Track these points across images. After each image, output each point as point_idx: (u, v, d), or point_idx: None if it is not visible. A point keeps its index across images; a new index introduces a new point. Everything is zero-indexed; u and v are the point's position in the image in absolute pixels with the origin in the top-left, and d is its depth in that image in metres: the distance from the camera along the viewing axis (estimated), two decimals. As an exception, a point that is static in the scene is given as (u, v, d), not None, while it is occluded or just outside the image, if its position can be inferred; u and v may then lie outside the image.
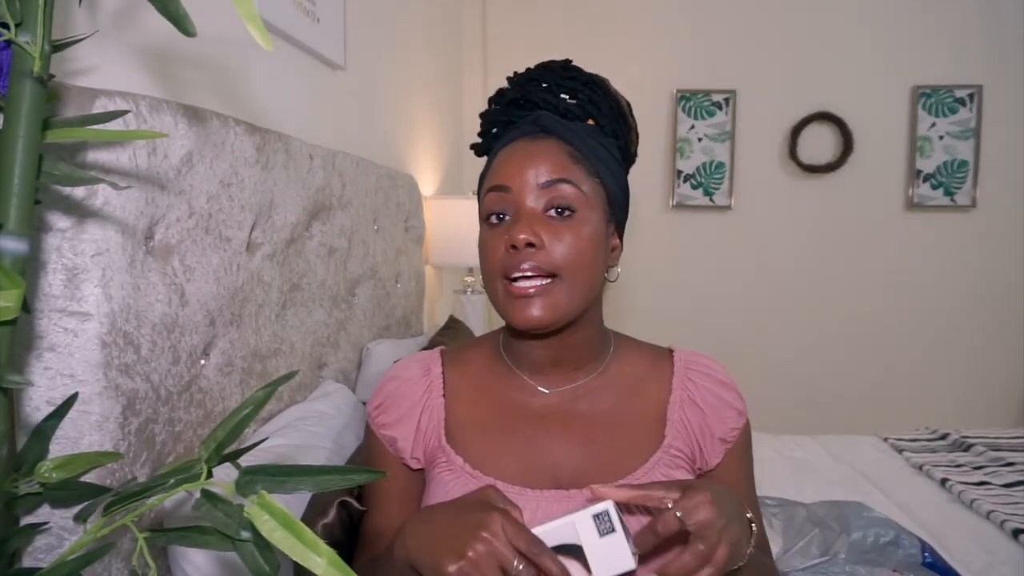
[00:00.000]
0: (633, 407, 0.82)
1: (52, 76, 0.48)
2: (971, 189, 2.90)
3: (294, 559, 0.39)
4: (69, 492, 0.56)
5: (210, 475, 0.45)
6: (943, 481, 1.75)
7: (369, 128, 1.85)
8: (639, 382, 0.84)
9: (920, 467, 1.87)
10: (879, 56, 2.91)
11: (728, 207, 3.03)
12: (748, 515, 0.71)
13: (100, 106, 0.70)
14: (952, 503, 1.66)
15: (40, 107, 0.45)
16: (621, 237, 0.85)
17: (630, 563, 0.60)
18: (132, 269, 0.77)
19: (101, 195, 0.72)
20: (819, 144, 2.96)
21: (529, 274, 0.73)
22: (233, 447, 0.46)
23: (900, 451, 2.02)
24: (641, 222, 2.94)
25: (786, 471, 1.85)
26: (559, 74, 0.83)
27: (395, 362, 0.95)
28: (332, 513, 0.88)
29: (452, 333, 1.79)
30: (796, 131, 2.94)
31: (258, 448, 0.95)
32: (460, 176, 2.91)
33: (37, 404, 0.70)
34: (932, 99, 2.89)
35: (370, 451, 0.87)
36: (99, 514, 0.46)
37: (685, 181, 3.03)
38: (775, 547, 1.31)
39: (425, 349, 0.97)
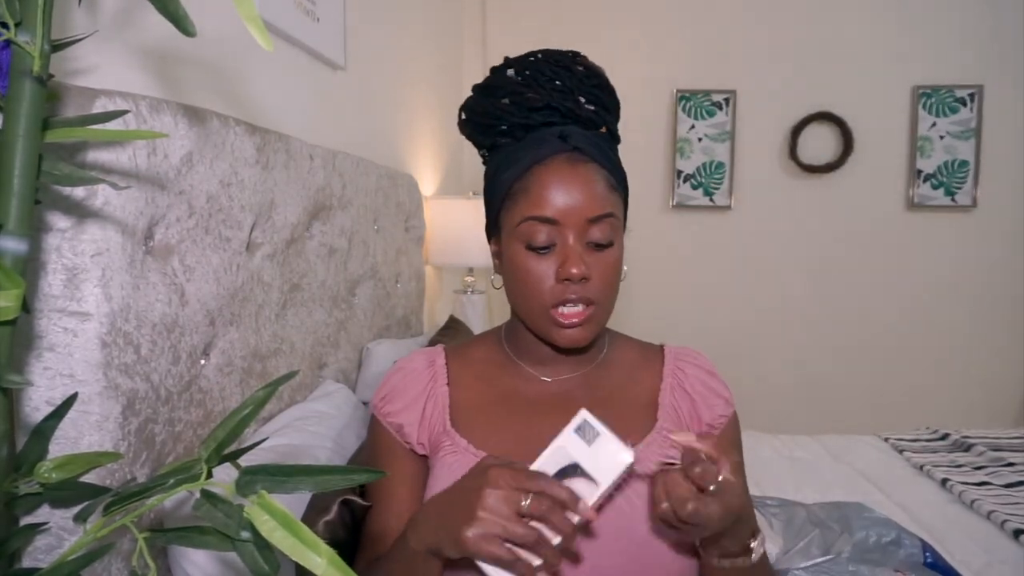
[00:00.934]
0: (627, 393, 0.86)
1: (52, 76, 0.48)
2: (971, 189, 2.90)
3: (294, 559, 0.39)
4: (69, 492, 0.56)
5: (210, 475, 0.45)
6: (944, 481, 1.75)
7: (369, 128, 1.85)
8: (633, 372, 0.89)
9: (920, 467, 1.87)
10: (879, 56, 2.91)
11: (728, 207, 3.03)
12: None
13: (100, 106, 0.70)
14: (953, 503, 1.66)
15: (40, 107, 0.45)
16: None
17: (627, 456, 0.63)
18: (132, 269, 0.77)
19: (101, 195, 0.72)
20: (819, 144, 2.96)
21: (578, 306, 0.78)
22: (233, 447, 0.46)
23: (900, 451, 2.02)
24: (641, 222, 2.94)
25: (786, 471, 1.85)
26: (575, 73, 0.82)
27: (395, 364, 0.96)
28: (334, 511, 0.88)
29: (452, 333, 1.79)
30: (796, 131, 2.94)
31: (258, 448, 0.94)
32: (460, 176, 2.91)
33: (37, 404, 0.70)
34: (932, 99, 2.89)
35: (375, 441, 0.88)
36: (99, 514, 0.46)
37: (685, 181, 3.03)
38: (775, 547, 1.31)
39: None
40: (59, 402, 0.58)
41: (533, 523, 0.60)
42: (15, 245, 0.45)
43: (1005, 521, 1.50)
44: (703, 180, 3.02)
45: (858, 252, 3.00)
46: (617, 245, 0.80)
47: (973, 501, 1.62)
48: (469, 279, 2.43)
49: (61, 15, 0.74)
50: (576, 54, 0.84)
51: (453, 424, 0.83)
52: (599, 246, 0.78)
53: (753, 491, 1.25)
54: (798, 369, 3.05)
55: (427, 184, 2.39)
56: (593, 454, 0.62)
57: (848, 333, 3.03)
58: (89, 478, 0.68)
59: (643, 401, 0.86)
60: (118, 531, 0.75)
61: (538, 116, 0.82)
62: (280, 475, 0.44)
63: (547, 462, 0.63)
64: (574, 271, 0.75)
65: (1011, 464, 1.84)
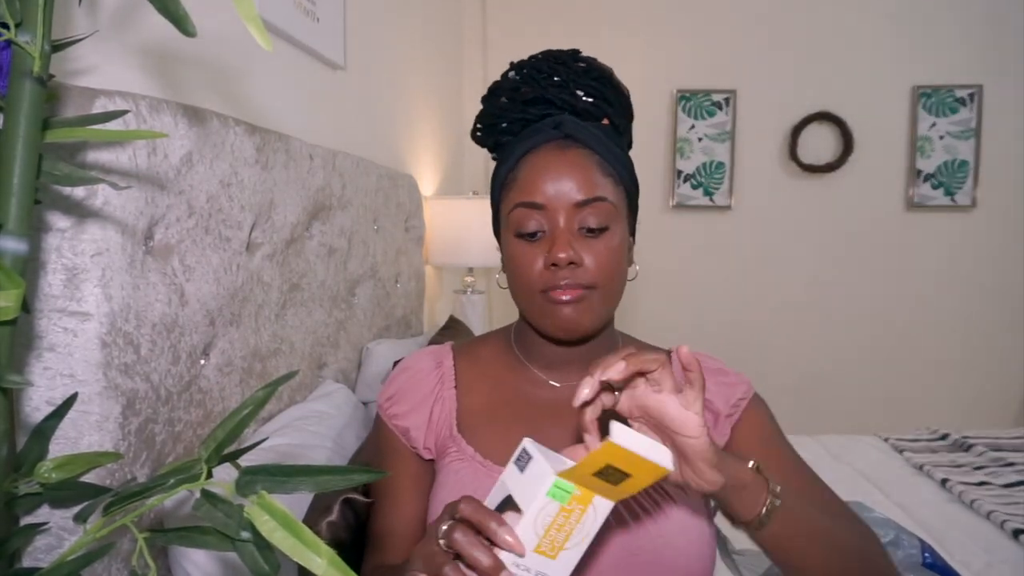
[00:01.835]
0: None
1: (52, 76, 0.48)
2: (971, 189, 2.90)
3: (294, 559, 0.39)
4: (69, 492, 0.56)
5: (210, 475, 0.45)
6: (943, 481, 1.75)
7: (369, 128, 1.85)
8: None
9: (920, 467, 1.87)
10: (879, 56, 2.91)
11: (728, 207, 3.03)
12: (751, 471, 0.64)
13: (100, 106, 0.70)
14: (952, 503, 1.66)
15: (40, 107, 0.45)
16: (633, 232, 0.86)
17: (550, 477, 0.55)
18: (132, 269, 0.77)
19: (101, 195, 0.72)
20: (819, 144, 2.96)
21: (568, 290, 0.75)
22: (233, 447, 0.46)
23: (900, 451, 2.02)
24: (641, 222, 2.91)
25: (786, 471, 1.85)
26: (573, 68, 0.82)
27: (395, 363, 0.95)
28: (336, 511, 0.88)
29: (452, 333, 1.79)
30: (796, 131, 2.94)
31: (258, 448, 0.95)
32: (460, 176, 2.91)
33: (37, 404, 0.70)
34: (932, 99, 2.89)
35: (380, 443, 0.87)
36: (99, 514, 0.46)
37: (685, 181, 3.03)
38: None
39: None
40: (59, 402, 0.58)
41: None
42: (15, 245, 0.45)
43: (1005, 521, 1.50)
44: (703, 180, 3.02)
45: (858, 252, 3.00)
46: (615, 231, 0.77)
47: (973, 501, 1.62)
48: (469, 279, 2.43)
49: (61, 15, 0.74)
50: (577, 52, 0.84)
51: (460, 430, 0.82)
52: (592, 231, 0.76)
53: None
54: (798, 369, 3.05)
55: (427, 184, 2.39)
56: (523, 481, 0.56)
57: (848, 333, 3.03)
58: (89, 478, 0.68)
59: None
60: (118, 531, 0.75)
61: (534, 110, 0.82)
62: (280, 475, 0.44)
63: (491, 499, 0.59)
64: (561, 255, 0.73)
65: (1011, 464, 1.84)
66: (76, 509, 0.51)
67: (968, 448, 2.01)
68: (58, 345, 0.70)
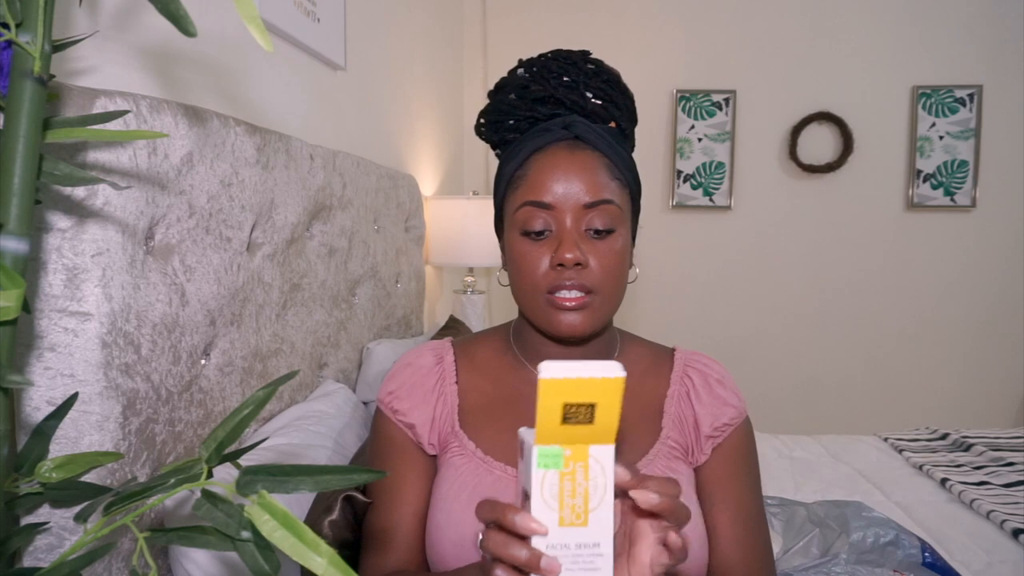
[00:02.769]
0: (634, 401, 0.83)
1: (52, 76, 0.48)
2: (971, 189, 2.90)
3: (294, 559, 0.39)
4: (69, 492, 0.56)
5: (210, 475, 0.45)
6: (943, 481, 1.75)
7: (369, 128, 1.85)
8: (641, 378, 0.86)
9: (920, 467, 1.87)
10: (879, 56, 2.91)
11: (728, 207, 3.03)
12: None
13: (100, 106, 0.70)
14: (952, 503, 1.66)
15: (40, 107, 0.45)
16: (635, 235, 0.86)
17: (531, 447, 0.54)
18: (132, 269, 0.77)
19: (101, 195, 0.72)
20: (819, 144, 2.96)
21: (573, 291, 0.76)
22: (233, 447, 0.46)
23: (900, 451, 2.02)
24: (641, 222, 2.93)
25: (786, 471, 1.85)
26: (583, 69, 0.82)
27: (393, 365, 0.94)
28: (337, 509, 0.88)
29: (452, 333, 1.79)
30: (796, 131, 2.94)
31: (258, 448, 0.95)
32: (460, 176, 2.91)
33: (37, 404, 0.70)
34: (932, 99, 2.89)
35: (383, 437, 0.85)
36: (99, 514, 0.46)
37: (685, 181, 3.03)
38: (775, 547, 1.31)
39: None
40: (60, 402, 0.58)
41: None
42: (15, 245, 0.45)
43: (1004, 521, 1.50)
44: (703, 180, 3.02)
45: (857, 252, 3.00)
46: (620, 234, 0.78)
47: (973, 501, 1.62)
48: (469, 279, 2.44)
49: (61, 15, 0.74)
50: (587, 53, 0.84)
51: (461, 425, 0.82)
52: (598, 233, 0.77)
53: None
54: (798, 369, 3.05)
55: (427, 184, 2.39)
56: (523, 468, 0.55)
57: (847, 333, 3.03)
58: (89, 478, 0.68)
59: (649, 409, 0.84)
60: (119, 531, 0.75)
61: (543, 108, 0.82)
62: (280, 475, 0.44)
63: (516, 500, 0.57)
64: (568, 256, 0.74)
65: (1011, 464, 1.84)
66: (77, 509, 0.51)
67: (968, 448, 2.01)
68: (59, 345, 0.70)
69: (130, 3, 0.88)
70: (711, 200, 3.03)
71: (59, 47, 0.49)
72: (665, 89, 3.02)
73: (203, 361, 0.93)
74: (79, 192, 0.70)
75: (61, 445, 0.71)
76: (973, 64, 2.87)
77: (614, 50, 3.01)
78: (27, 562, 0.69)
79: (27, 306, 0.45)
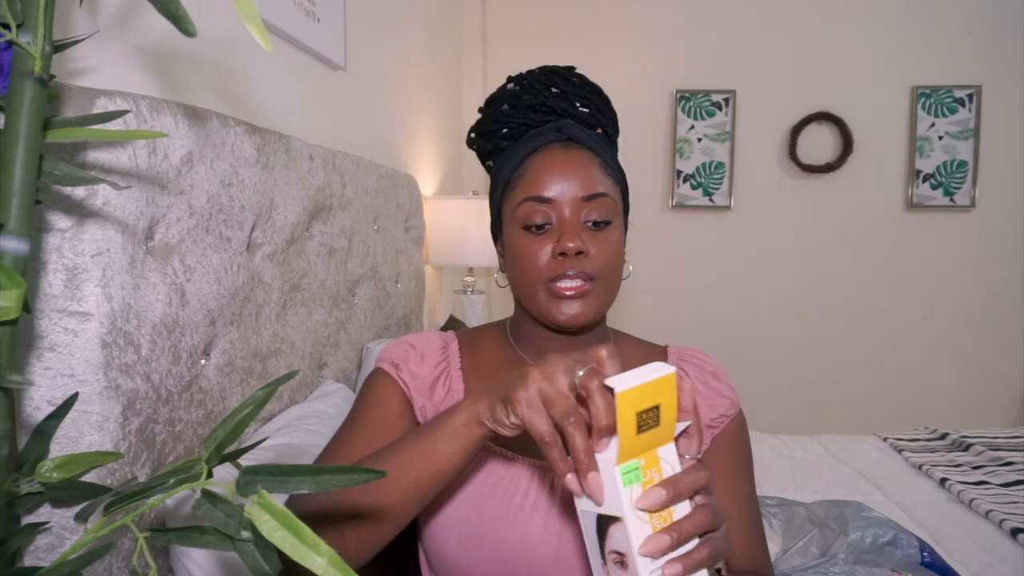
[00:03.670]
0: None
1: (53, 76, 0.48)
2: (971, 189, 2.90)
3: (294, 559, 0.39)
4: (70, 492, 0.56)
5: (210, 475, 0.45)
6: (942, 481, 1.75)
7: (369, 128, 1.85)
8: None
9: (920, 467, 1.87)
10: (879, 56, 2.91)
11: (728, 207, 3.03)
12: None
13: (100, 106, 0.70)
14: (951, 503, 1.67)
15: (41, 107, 0.45)
16: (624, 234, 0.88)
17: (613, 470, 0.54)
18: (132, 269, 0.77)
19: (101, 195, 0.72)
20: (819, 144, 2.96)
21: (575, 280, 0.78)
22: (233, 447, 0.46)
23: (900, 451, 2.02)
24: (641, 222, 2.94)
25: (786, 471, 1.86)
26: (570, 81, 0.88)
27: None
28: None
29: (452, 333, 1.79)
30: (796, 131, 2.94)
31: (258, 448, 0.95)
32: (460, 176, 2.91)
33: (38, 404, 0.70)
34: (932, 99, 2.90)
35: (376, 391, 0.83)
36: (100, 514, 0.46)
37: (685, 181, 3.03)
38: (775, 547, 1.32)
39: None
40: (60, 402, 0.58)
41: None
42: (15, 245, 0.45)
43: (1003, 520, 1.50)
44: (703, 180, 3.02)
45: (857, 252, 3.00)
46: (616, 227, 0.81)
47: (972, 500, 1.62)
48: (469, 279, 2.44)
49: (62, 16, 0.74)
50: (572, 68, 0.90)
51: None
52: (596, 224, 0.80)
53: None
54: (797, 369, 3.06)
55: (427, 184, 2.39)
56: (608, 490, 0.54)
57: (847, 333, 3.03)
58: (90, 478, 0.68)
59: None
60: (119, 530, 0.75)
61: (535, 115, 0.87)
62: (280, 475, 0.44)
63: (587, 533, 0.57)
64: (570, 245, 0.77)
65: (1010, 463, 1.84)
66: (77, 508, 0.51)
67: (967, 448, 2.01)
68: (59, 345, 0.71)
69: (130, 3, 0.88)
70: (711, 200, 3.03)
71: (59, 47, 0.49)
72: (665, 89, 3.02)
73: (203, 361, 0.93)
74: (79, 192, 0.70)
75: (61, 445, 0.71)
76: (972, 64, 2.87)
77: (614, 50, 3.02)
78: (27, 561, 0.69)
79: (27, 306, 0.45)
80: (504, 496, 0.77)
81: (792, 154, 2.95)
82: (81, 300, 0.71)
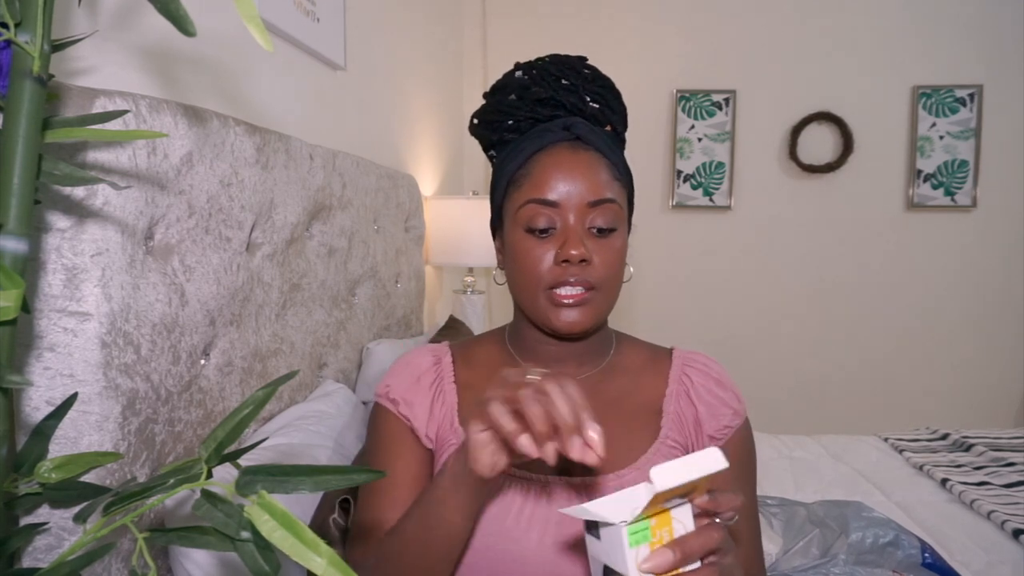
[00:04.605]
0: (632, 400, 0.84)
1: (52, 76, 0.48)
2: (971, 189, 2.90)
3: (294, 559, 0.39)
4: (69, 492, 0.56)
5: (210, 475, 0.45)
6: (943, 481, 1.75)
7: (369, 128, 1.85)
8: (638, 377, 0.86)
9: (920, 467, 1.87)
10: (879, 56, 2.91)
11: (728, 207, 3.03)
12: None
13: (100, 106, 0.70)
14: (952, 503, 1.66)
15: (40, 107, 0.45)
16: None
17: (621, 530, 0.53)
18: (132, 269, 0.77)
19: (101, 195, 0.72)
20: (819, 144, 2.96)
21: (576, 288, 0.77)
22: (233, 447, 0.46)
23: (900, 451, 2.02)
24: (641, 222, 2.94)
25: (786, 471, 1.85)
26: (581, 74, 0.84)
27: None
28: (337, 508, 0.88)
29: (452, 333, 1.79)
30: (796, 131, 2.94)
31: (258, 448, 0.95)
32: (460, 176, 2.91)
33: (37, 404, 0.70)
34: (932, 99, 2.89)
35: (382, 428, 0.84)
36: (99, 514, 0.46)
37: (685, 181, 3.03)
38: (775, 547, 1.31)
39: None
40: (59, 402, 0.58)
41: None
42: (15, 245, 0.45)
43: (1005, 521, 1.50)
44: (703, 180, 3.02)
45: (858, 252, 3.00)
46: (620, 233, 0.80)
47: (973, 501, 1.62)
48: (469, 279, 2.44)
49: (61, 15, 0.74)
50: (584, 58, 0.86)
51: (460, 423, 0.82)
52: (601, 231, 0.78)
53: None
54: (798, 369, 3.05)
55: (427, 184, 2.39)
56: (607, 548, 0.55)
57: (848, 333, 3.03)
58: (89, 478, 0.68)
59: (647, 408, 0.83)
60: (118, 531, 0.75)
61: (544, 109, 0.84)
62: (280, 475, 0.44)
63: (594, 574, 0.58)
64: (573, 252, 0.75)
65: (1011, 464, 1.84)
66: (76, 509, 0.51)
67: (968, 448, 2.01)
68: (58, 345, 0.70)
69: (130, 3, 0.88)
70: (711, 200, 3.03)
71: (58, 47, 0.49)
72: (665, 89, 3.02)
73: (203, 361, 0.93)
74: (79, 192, 0.70)
75: (61, 445, 0.71)
76: (973, 64, 2.87)
77: (614, 50, 3.02)
78: (26, 562, 0.69)
79: (27, 306, 0.45)
80: (500, 512, 0.75)
81: (792, 154, 2.95)
82: (80, 300, 0.71)
